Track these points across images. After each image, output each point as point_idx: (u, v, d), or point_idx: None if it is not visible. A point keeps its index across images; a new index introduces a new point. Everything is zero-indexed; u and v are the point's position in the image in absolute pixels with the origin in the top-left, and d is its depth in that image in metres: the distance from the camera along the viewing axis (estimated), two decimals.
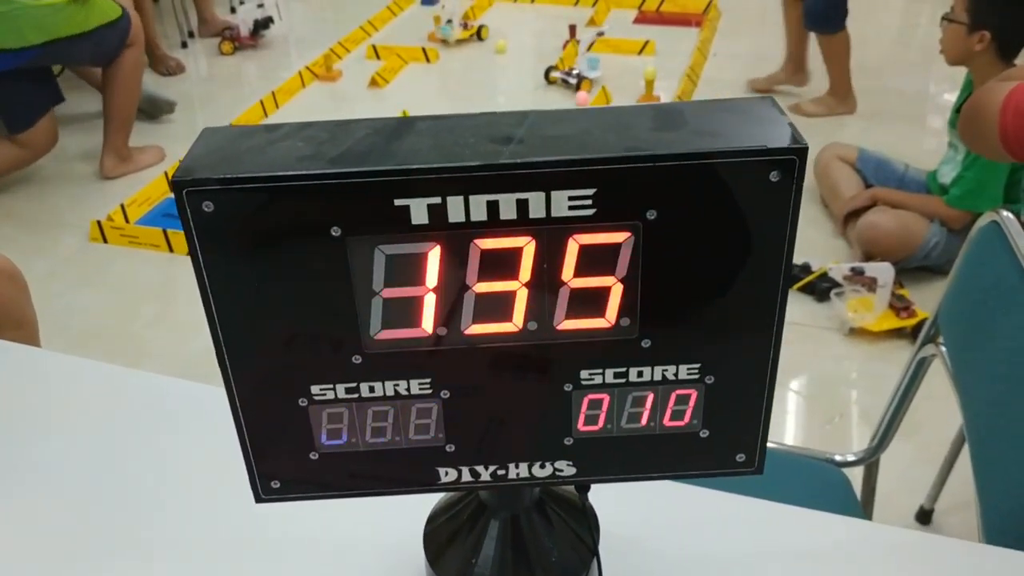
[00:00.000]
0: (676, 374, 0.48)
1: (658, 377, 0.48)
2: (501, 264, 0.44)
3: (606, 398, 0.49)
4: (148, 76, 3.33)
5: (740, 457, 0.51)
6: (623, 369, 0.48)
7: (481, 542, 0.57)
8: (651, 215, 0.43)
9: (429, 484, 0.52)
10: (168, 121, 3.20)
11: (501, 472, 0.52)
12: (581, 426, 0.50)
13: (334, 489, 0.52)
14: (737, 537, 0.69)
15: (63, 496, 0.75)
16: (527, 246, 0.44)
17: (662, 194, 0.43)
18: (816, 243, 2.41)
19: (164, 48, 3.68)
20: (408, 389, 0.48)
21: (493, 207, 0.42)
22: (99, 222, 2.48)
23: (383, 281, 0.44)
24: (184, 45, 3.92)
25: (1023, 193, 2.15)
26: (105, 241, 2.48)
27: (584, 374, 0.48)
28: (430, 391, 0.48)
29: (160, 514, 0.73)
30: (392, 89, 3.45)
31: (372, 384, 0.48)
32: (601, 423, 0.50)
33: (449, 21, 3.80)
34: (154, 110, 3.17)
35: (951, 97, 3.13)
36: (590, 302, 0.45)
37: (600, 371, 0.48)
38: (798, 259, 2.23)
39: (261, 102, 3.24)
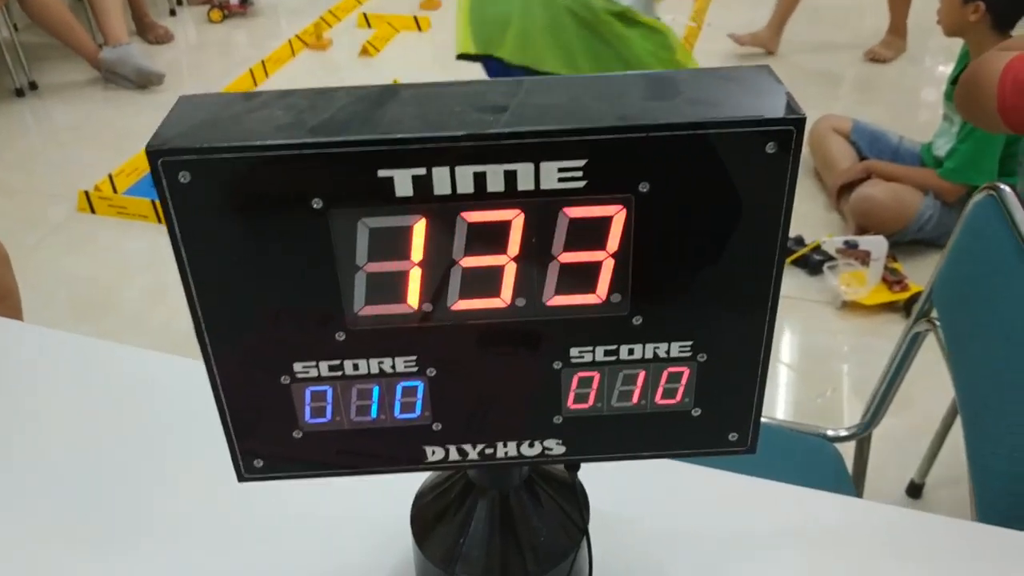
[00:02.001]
0: (668, 352, 0.47)
1: (649, 355, 0.47)
2: (489, 238, 0.43)
3: (596, 376, 0.48)
4: (137, 44, 3.28)
5: (733, 436, 0.50)
6: (614, 347, 0.47)
7: (469, 521, 0.56)
8: (643, 188, 0.41)
9: (416, 463, 0.51)
10: (157, 91, 3.16)
11: (489, 451, 0.51)
12: (571, 404, 0.49)
13: (318, 468, 0.51)
14: (729, 515, 0.68)
15: (44, 472, 0.73)
16: (515, 219, 0.42)
17: (655, 166, 0.41)
18: (810, 216, 2.40)
19: (152, 16, 3.63)
20: (393, 367, 0.47)
21: (480, 179, 0.41)
22: (87, 192, 2.45)
23: (366, 255, 0.43)
24: (172, 13, 3.87)
25: (1019, 166, 2.14)
26: (93, 212, 2.45)
27: (574, 351, 0.47)
28: (416, 369, 0.47)
29: (146, 491, 0.71)
30: (383, 58, 3.41)
31: (356, 362, 0.47)
32: (591, 401, 0.49)
33: None
34: (143, 80, 3.13)
35: (946, 69, 3.11)
36: (580, 277, 0.44)
37: (590, 348, 0.47)
38: (791, 232, 2.21)
39: (251, 71, 3.20)
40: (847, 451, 1.20)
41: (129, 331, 2.04)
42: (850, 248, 2.02)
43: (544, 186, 0.41)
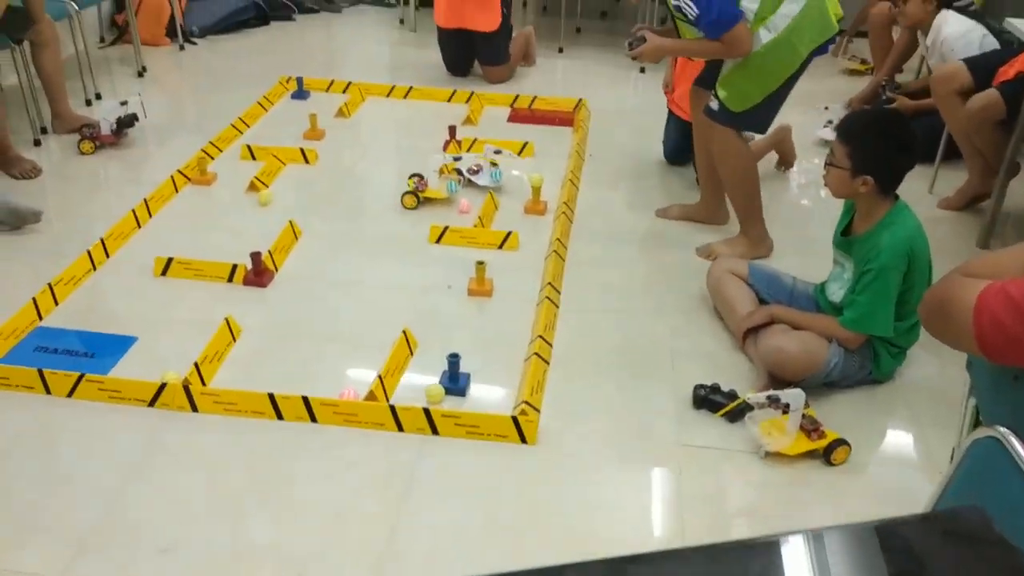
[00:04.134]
0: None
1: None
2: None
3: None
4: (3, 181, 3.07)
5: None
6: None
7: None
8: None
9: None
10: (29, 232, 2.95)
11: None
12: None
13: None
14: None
15: None
16: None
17: None
18: (718, 358, 2.49)
19: (15, 148, 3.41)
20: None
21: None
22: None
23: None
24: (37, 143, 3.65)
25: (909, 309, 2.31)
26: None
27: None
28: None
29: None
30: (271, 194, 3.33)
31: None
32: None
33: (475, 171, 3.41)
34: (18, 222, 2.92)
35: (830, 211, 3.35)
36: None
37: None
38: (724, 384, 2.28)
39: (134, 212, 3.04)
40: None
41: (21, 535, 1.84)
42: (772, 402, 2.10)
43: None
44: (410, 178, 3.31)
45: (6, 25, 3.40)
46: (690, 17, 2.65)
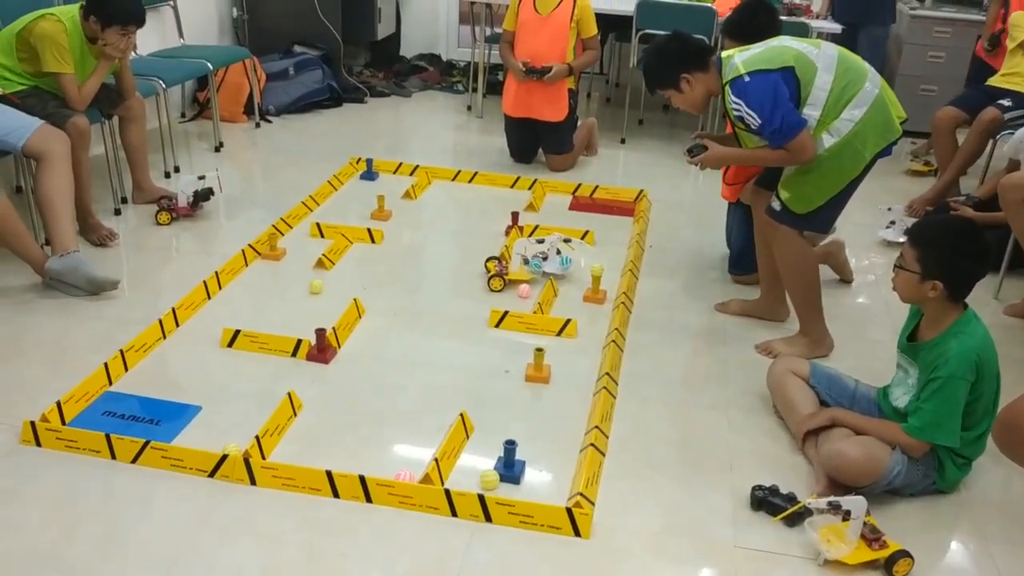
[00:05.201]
0: None
1: None
2: None
3: None
4: (82, 249, 3.20)
5: None
6: None
7: None
8: None
9: None
10: (104, 299, 3.06)
11: None
12: None
13: None
14: None
15: None
16: None
17: None
18: (777, 458, 2.45)
19: (97, 216, 3.56)
20: None
21: None
22: (32, 423, 2.30)
23: None
24: (117, 212, 3.81)
25: (976, 419, 2.26)
26: (39, 444, 2.29)
27: None
28: None
29: None
30: (338, 271, 3.41)
31: None
32: None
33: (544, 257, 3.44)
34: (94, 289, 3.03)
35: (891, 314, 3.32)
36: None
37: None
38: (782, 486, 2.24)
39: (204, 283, 3.14)
40: None
41: None
42: (832, 508, 2.05)
43: None
44: (488, 261, 3.38)
45: (100, 100, 3.59)
46: (752, 127, 2.68)
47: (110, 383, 2.58)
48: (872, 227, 4.08)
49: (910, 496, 2.30)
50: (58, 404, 2.39)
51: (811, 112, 2.67)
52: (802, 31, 4.86)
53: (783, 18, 5.11)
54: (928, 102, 5.30)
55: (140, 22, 3.42)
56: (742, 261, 3.48)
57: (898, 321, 2.44)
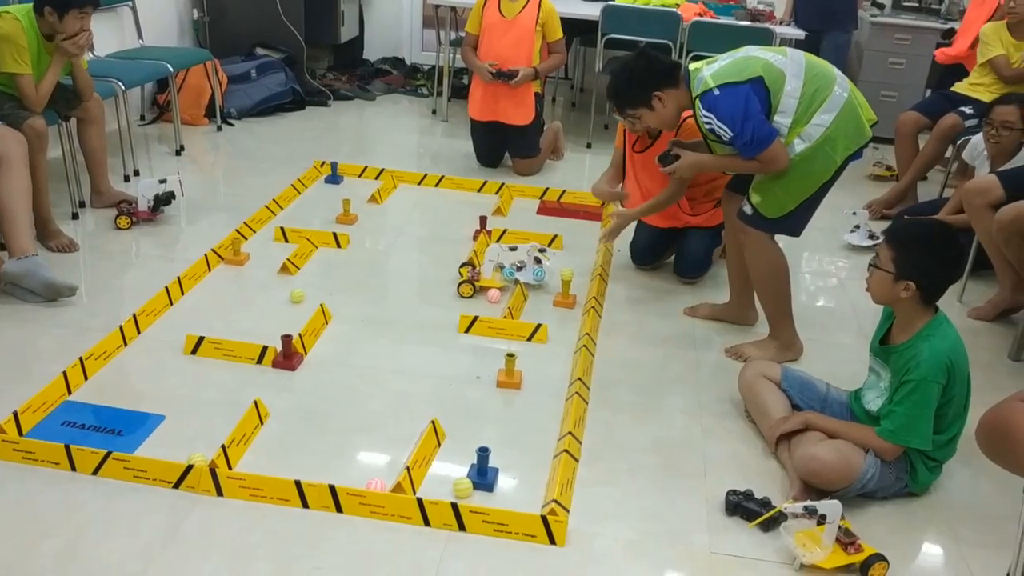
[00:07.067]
0: None
1: None
2: None
3: None
4: (39, 253, 3.11)
5: None
6: None
7: None
8: None
9: None
10: (62, 305, 2.97)
11: None
12: None
13: None
14: None
15: None
16: None
17: None
18: (751, 463, 2.44)
19: (56, 222, 3.46)
20: None
21: None
22: None
23: None
24: (75, 216, 3.72)
25: (947, 422, 2.27)
26: None
27: None
28: None
29: None
30: (303, 276, 3.35)
31: None
32: None
33: (519, 267, 3.40)
34: (51, 294, 2.94)
35: (859, 318, 3.34)
36: None
37: None
38: (756, 490, 2.24)
39: (166, 289, 3.06)
40: None
41: None
42: (808, 512, 2.05)
43: None
44: (462, 267, 3.35)
45: (56, 102, 3.49)
46: (724, 139, 2.68)
47: (69, 392, 2.50)
48: (837, 231, 4.12)
49: (883, 499, 2.31)
50: (15, 414, 2.31)
51: (782, 119, 2.67)
52: (766, 37, 4.90)
53: (746, 24, 5.17)
54: (888, 108, 5.37)
55: (95, 2, 3.35)
56: (645, 256, 3.66)
57: (865, 325, 2.46)
